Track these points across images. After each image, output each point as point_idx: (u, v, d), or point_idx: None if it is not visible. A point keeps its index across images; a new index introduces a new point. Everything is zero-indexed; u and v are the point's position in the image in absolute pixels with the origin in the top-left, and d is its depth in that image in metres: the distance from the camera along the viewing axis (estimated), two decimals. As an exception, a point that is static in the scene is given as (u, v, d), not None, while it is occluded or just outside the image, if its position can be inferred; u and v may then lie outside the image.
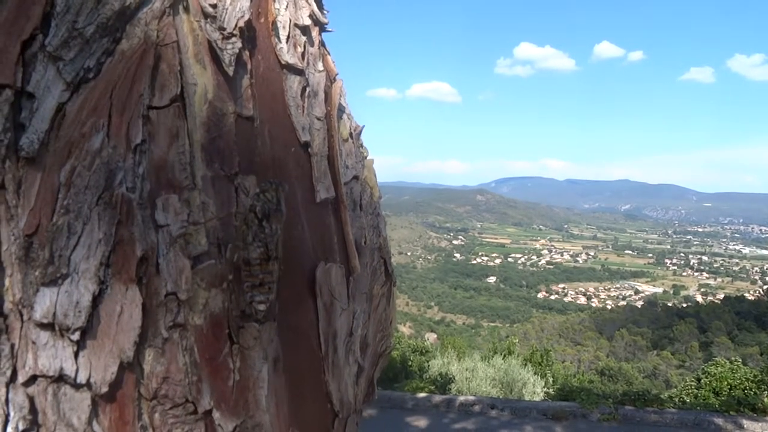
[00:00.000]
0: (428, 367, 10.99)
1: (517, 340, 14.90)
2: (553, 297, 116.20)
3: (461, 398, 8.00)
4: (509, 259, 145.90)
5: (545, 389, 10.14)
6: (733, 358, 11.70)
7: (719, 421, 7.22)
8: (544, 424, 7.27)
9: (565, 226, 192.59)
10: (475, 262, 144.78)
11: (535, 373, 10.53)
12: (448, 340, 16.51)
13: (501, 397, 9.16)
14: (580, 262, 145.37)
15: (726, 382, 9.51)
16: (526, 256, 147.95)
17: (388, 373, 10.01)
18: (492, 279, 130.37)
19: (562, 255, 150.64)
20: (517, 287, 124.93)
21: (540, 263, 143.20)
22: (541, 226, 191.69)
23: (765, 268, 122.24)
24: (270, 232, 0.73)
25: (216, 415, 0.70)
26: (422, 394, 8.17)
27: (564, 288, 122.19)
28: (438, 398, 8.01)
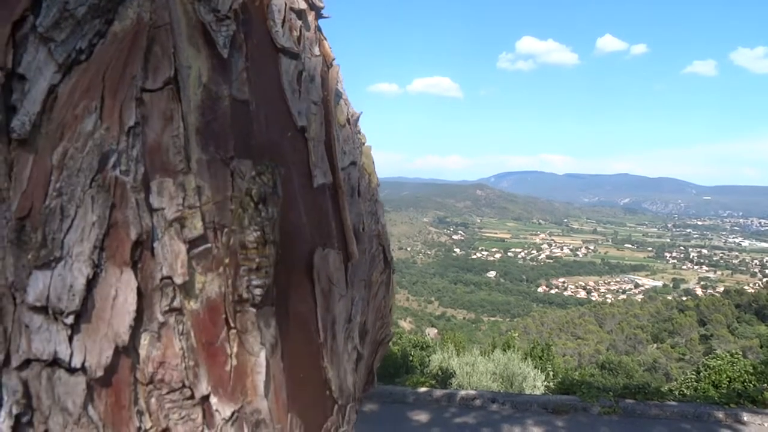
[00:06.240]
0: (429, 362, 11.01)
1: (517, 335, 14.92)
2: (553, 291, 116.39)
3: (462, 393, 8.01)
4: (509, 254, 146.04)
5: (546, 383, 10.15)
6: (733, 351, 11.73)
7: (719, 413, 7.23)
8: (545, 418, 7.28)
9: (565, 220, 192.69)
10: (475, 256, 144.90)
11: (535, 367, 10.54)
12: (448, 335, 16.53)
13: (501, 391, 9.17)
14: (580, 256, 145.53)
15: (726, 375, 9.53)
16: (526, 251, 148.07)
17: (389, 368, 10.02)
18: (492, 274, 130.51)
19: (562, 249, 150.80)
20: (517, 282, 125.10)
21: (540, 257, 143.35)
22: (540, 221, 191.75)
23: (764, 260, 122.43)
24: (266, 216, 0.72)
25: (213, 400, 0.70)
26: (423, 389, 8.18)
27: (564, 282, 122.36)
28: (439, 393, 8.02)
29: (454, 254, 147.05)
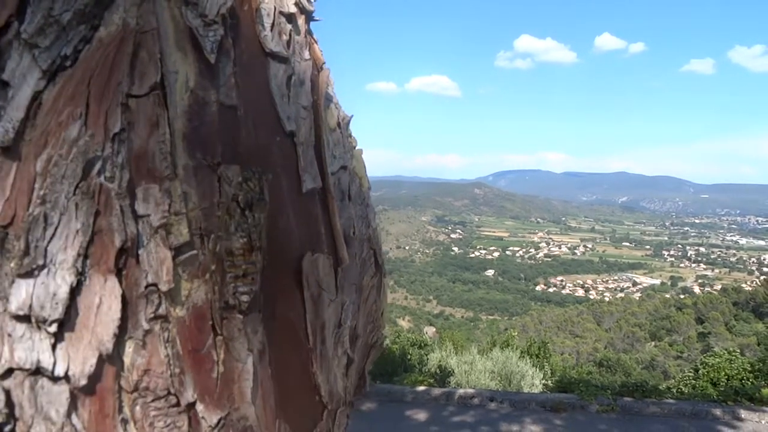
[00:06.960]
0: (427, 361, 11.02)
1: (515, 333, 14.94)
2: (551, 289, 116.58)
3: (460, 391, 8.02)
4: (507, 252, 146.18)
5: (544, 381, 10.17)
6: (730, 349, 11.76)
7: (717, 411, 7.25)
8: (543, 416, 7.29)
9: (563, 218, 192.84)
10: (473, 255, 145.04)
11: (533, 366, 10.56)
12: (446, 334, 16.55)
13: (500, 389, 9.18)
14: (578, 254, 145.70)
15: (723, 373, 9.56)
16: (524, 249, 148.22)
17: (387, 366, 10.03)
18: (490, 272, 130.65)
19: (560, 248, 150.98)
20: (515, 280, 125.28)
21: (538, 256, 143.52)
22: (539, 219, 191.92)
23: (762, 258, 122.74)
24: (253, 222, 0.72)
25: (199, 407, 0.69)
26: (421, 388, 8.19)
27: (562, 280, 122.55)
28: (437, 391, 8.03)
29: (452, 253, 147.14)
